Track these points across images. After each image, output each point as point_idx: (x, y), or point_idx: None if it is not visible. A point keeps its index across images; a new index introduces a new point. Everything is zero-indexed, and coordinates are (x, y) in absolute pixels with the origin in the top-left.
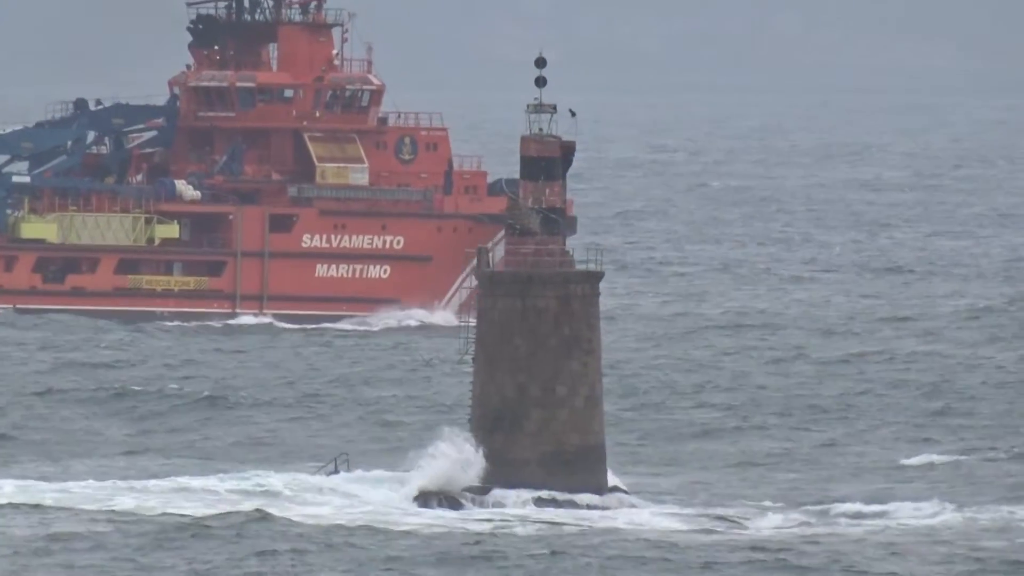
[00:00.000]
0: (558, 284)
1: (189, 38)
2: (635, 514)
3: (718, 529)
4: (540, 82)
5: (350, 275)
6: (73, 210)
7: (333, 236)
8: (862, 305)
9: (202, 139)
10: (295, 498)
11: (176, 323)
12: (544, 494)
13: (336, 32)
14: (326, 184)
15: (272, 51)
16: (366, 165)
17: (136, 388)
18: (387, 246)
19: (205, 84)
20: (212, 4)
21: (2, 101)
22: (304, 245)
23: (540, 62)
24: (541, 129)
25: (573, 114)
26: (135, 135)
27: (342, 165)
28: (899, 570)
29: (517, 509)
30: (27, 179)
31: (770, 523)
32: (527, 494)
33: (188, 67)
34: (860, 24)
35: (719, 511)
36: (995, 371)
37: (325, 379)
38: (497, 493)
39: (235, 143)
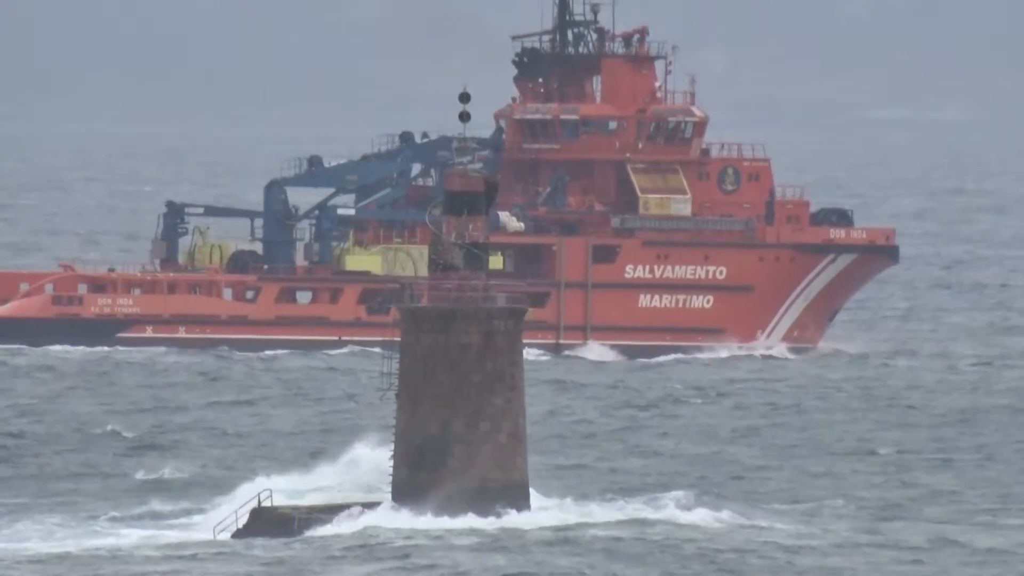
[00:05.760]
0: (481, 319)
1: (514, 71)
2: None
3: None
4: (464, 117)
5: (673, 305)
6: (398, 242)
7: (656, 267)
8: None
9: (526, 171)
10: None
11: None
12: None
13: (659, 64)
14: (649, 215)
15: (596, 83)
16: (689, 196)
17: None
18: (710, 276)
19: (530, 117)
20: (537, 37)
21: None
22: (627, 276)
23: (464, 97)
24: (465, 164)
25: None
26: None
27: (665, 196)
28: None
29: None
30: (352, 212)
31: None
32: None
33: (513, 100)
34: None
35: None
36: None
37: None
38: None
39: (559, 174)
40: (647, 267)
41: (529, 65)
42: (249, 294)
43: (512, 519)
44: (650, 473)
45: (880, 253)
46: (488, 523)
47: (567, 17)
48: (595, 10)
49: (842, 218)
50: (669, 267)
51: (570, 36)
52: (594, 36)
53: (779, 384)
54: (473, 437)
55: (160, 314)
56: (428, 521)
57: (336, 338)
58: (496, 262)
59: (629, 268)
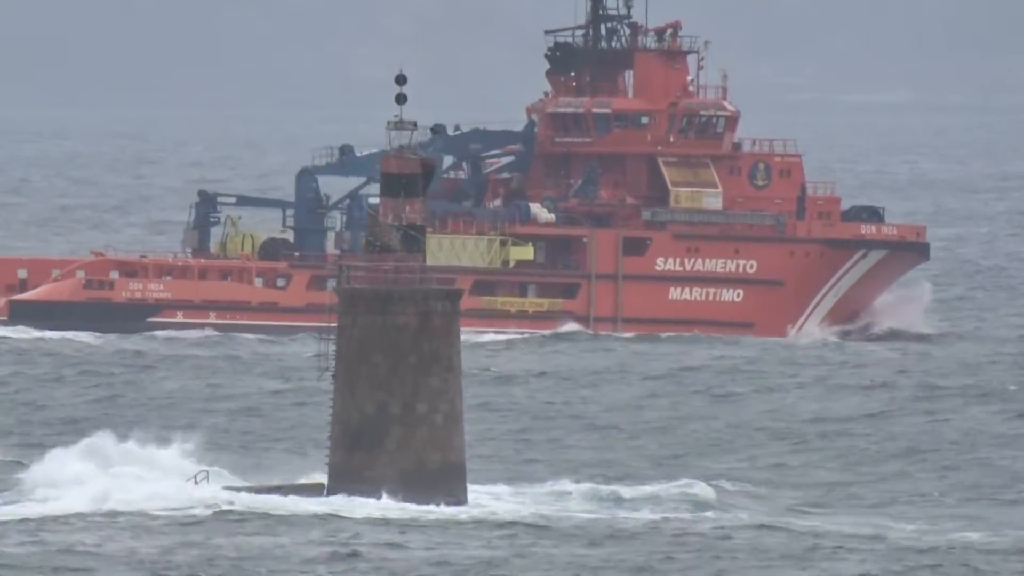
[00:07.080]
0: (418, 301)
1: (546, 65)
2: None
3: None
4: (400, 99)
5: (703, 298)
6: (429, 232)
7: (686, 259)
8: None
9: (558, 164)
10: None
11: None
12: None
13: (691, 59)
14: (680, 208)
15: (628, 78)
16: (719, 190)
17: None
18: (740, 270)
19: (562, 110)
20: (570, 32)
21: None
22: (658, 268)
23: (400, 79)
24: (402, 146)
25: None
26: (492, 160)
27: (696, 189)
28: None
29: None
30: None
31: None
32: None
33: (545, 94)
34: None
35: None
36: None
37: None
38: None
39: (590, 167)
40: (677, 260)
41: (562, 59)
42: (280, 281)
43: (449, 500)
44: (588, 455)
45: (911, 249)
46: (425, 504)
47: (600, 12)
48: (628, 4)
49: (873, 215)
50: (700, 260)
51: (603, 31)
52: (627, 31)
53: (740, 366)
54: (410, 418)
55: (191, 299)
56: (364, 502)
57: None
58: (527, 252)
59: (660, 260)
